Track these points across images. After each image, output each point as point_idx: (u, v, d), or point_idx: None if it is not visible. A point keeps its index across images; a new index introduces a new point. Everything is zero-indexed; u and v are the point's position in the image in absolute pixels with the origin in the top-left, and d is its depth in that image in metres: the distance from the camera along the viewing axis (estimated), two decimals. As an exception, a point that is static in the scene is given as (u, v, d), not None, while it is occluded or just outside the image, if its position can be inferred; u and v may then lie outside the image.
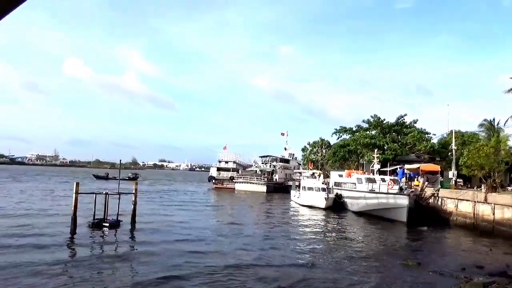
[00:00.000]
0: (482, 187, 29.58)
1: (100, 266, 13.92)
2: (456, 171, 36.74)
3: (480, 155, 29.77)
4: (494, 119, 47.29)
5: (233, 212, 34.21)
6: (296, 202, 45.58)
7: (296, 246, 19.44)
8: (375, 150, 42.19)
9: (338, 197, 41.35)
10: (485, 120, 48.37)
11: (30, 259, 14.31)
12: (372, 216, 32.97)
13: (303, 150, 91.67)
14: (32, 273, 12.67)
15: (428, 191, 33.12)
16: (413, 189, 33.71)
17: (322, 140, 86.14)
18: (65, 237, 18.78)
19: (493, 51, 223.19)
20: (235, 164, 75.19)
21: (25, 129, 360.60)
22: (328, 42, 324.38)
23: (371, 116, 59.89)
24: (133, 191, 23.68)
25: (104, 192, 22.79)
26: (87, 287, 11.65)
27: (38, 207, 30.53)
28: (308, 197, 41.78)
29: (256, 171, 71.88)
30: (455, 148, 39.06)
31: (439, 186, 34.55)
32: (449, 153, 44.53)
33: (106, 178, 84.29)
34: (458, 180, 36.54)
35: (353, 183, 39.30)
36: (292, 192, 50.04)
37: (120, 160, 28.98)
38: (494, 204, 25.62)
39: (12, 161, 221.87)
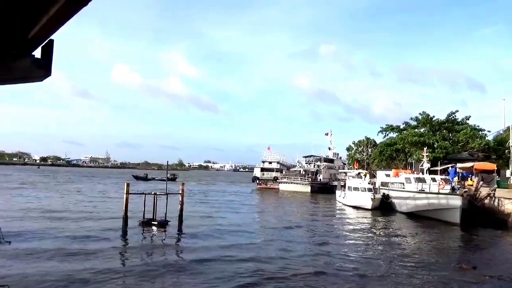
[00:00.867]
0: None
1: (149, 261, 14.42)
2: (514, 170, 34.54)
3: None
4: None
5: (277, 212, 34.10)
6: (341, 203, 44.80)
7: (344, 248, 19.02)
8: (424, 149, 40.57)
9: (385, 197, 40.17)
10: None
11: (86, 251, 15.15)
12: (422, 217, 31.70)
13: (348, 149, 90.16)
14: (87, 263, 13.36)
15: (484, 191, 31.32)
16: (466, 189, 32.03)
17: (368, 139, 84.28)
18: (118, 234, 19.67)
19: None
20: (278, 165, 75.05)
21: (79, 133, 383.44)
22: (371, 39, 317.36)
23: (420, 113, 57.82)
24: (180, 192, 24.27)
25: (152, 193, 23.59)
26: (138, 278, 12.09)
27: (93, 206, 32.15)
28: (354, 198, 40.91)
29: (300, 171, 71.23)
30: (513, 145, 36.73)
31: (496, 185, 32.59)
32: (506, 151, 41.93)
33: (145, 178, 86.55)
34: (516, 179, 34.34)
35: (401, 183, 38.03)
36: (337, 192, 49.21)
37: (167, 162, 29.85)
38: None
39: (69, 163, 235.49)
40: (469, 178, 36.24)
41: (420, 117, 57.76)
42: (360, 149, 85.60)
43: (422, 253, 18.43)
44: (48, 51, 14.54)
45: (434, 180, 34.04)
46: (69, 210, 28.55)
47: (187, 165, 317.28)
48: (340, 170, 76.63)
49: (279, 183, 69.59)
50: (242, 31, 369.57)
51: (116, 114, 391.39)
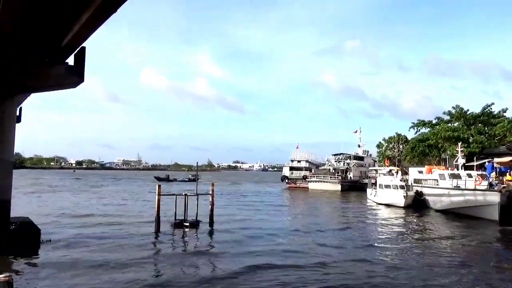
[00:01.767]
0: None
1: (182, 262, 14.63)
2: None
3: None
4: None
5: (308, 212, 33.84)
6: (372, 201, 44.19)
7: (377, 248, 18.62)
8: (459, 144, 39.35)
9: (419, 194, 39.20)
10: None
11: (120, 253, 15.51)
12: (458, 215, 30.74)
13: (378, 146, 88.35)
14: (121, 266, 13.71)
15: (524, 186, 29.99)
16: (505, 185, 30.73)
17: (399, 135, 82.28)
18: (151, 235, 20.06)
19: None
20: (307, 163, 74.56)
21: (111, 137, 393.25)
22: (397, 32, 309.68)
23: (453, 107, 56.18)
24: (210, 192, 24.47)
25: (183, 194, 23.91)
26: (171, 281, 12.26)
27: (126, 207, 32.99)
28: (386, 195, 40.24)
29: (329, 169, 70.60)
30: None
31: (537, 180, 31.13)
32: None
33: (167, 180, 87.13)
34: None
35: (435, 179, 37.03)
36: (368, 191, 48.52)
37: (197, 163, 30.08)
38: None
39: (102, 166, 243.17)
40: (507, 173, 34.86)
41: (453, 111, 56.13)
42: (391, 145, 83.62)
43: (459, 252, 17.82)
44: (80, 58, 15.02)
45: (470, 176, 33.07)
46: (101, 213, 29.25)
47: (216, 165, 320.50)
48: (370, 168, 75.37)
49: (309, 182, 69.23)
50: (266, 30, 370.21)
51: (146, 117, 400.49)
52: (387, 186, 40.57)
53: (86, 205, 34.09)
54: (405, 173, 51.58)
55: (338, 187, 65.03)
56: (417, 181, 42.11)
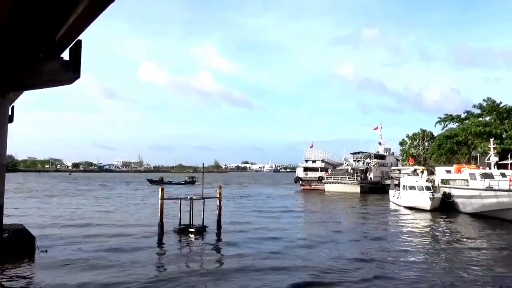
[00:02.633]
0: None
1: (188, 271, 14.73)
2: None
3: None
4: None
5: (323, 217, 33.66)
6: (395, 203, 44.05)
7: (401, 256, 18.25)
8: (491, 140, 38.93)
9: (447, 196, 38.88)
10: None
11: (120, 262, 15.67)
12: (490, 218, 30.46)
13: (401, 144, 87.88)
14: (123, 275, 13.84)
15: None
16: (543, 185, 30.35)
17: (424, 131, 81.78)
18: (153, 243, 20.23)
19: None
20: (323, 163, 74.44)
21: (110, 137, 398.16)
22: (420, 19, 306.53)
23: (484, 100, 55.63)
24: (218, 196, 24.59)
25: (188, 197, 24.08)
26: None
27: (126, 213, 33.30)
28: (410, 198, 40.00)
29: (347, 169, 70.39)
30: None
31: None
32: None
33: (160, 182, 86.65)
34: None
35: (464, 179, 36.73)
36: (391, 192, 48.35)
37: (203, 164, 30.14)
38: None
39: (101, 168, 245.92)
40: (546, 172, 34.30)
41: (484, 104, 55.54)
42: (415, 143, 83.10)
43: (492, 260, 17.58)
44: (76, 52, 15.16)
45: (503, 175, 32.84)
46: (98, 218, 29.57)
47: (223, 166, 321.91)
48: (393, 167, 74.85)
49: (325, 183, 69.23)
50: (278, 19, 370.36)
51: (146, 115, 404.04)
52: (412, 188, 40.32)
53: (82, 211, 34.38)
54: (431, 173, 51.29)
55: (357, 189, 64.91)
56: (444, 181, 41.80)
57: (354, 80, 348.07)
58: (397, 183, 48.71)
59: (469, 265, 16.61)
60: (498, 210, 30.39)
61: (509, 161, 39.09)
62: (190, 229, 22.69)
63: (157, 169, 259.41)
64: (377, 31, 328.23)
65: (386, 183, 64.67)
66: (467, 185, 35.74)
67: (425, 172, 46.91)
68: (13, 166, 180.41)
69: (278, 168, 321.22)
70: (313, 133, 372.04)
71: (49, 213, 32.47)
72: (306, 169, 75.23)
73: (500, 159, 38.44)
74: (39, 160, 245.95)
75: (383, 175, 71.71)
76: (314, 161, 75.10)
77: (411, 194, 40.07)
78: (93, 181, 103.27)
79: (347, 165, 73.15)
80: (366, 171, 70.07)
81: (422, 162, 68.08)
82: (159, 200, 22.08)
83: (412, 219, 32.40)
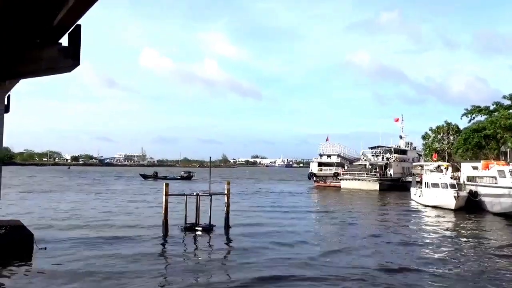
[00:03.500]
0: None
1: (195, 274, 14.82)
2: None
3: None
4: None
5: (339, 216, 33.36)
6: (417, 202, 43.96)
7: (426, 265, 17.43)
8: (523, 134, 38.47)
9: (473, 195, 38.70)
10: None
11: (122, 263, 15.83)
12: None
13: (423, 137, 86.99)
14: (127, 277, 13.96)
15: None
16: None
17: (449, 124, 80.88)
18: (158, 242, 20.38)
19: None
20: (339, 158, 74.32)
21: (111, 129, 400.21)
22: (443, 2, 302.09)
23: (515, 90, 54.60)
24: (225, 192, 24.64)
25: (195, 193, 24.16)
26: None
27: (128, 210, 33.59)
28: (433, 196, 39.82)
29: (365, 165, 70.37)
30: None
31: None
32: None
33: (155, 177, 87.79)
34: None
35: (493, 177, 36.45)
36: (412, 190, 48.10)
37: (210, 158, 30.13)
38: None
39: (101, 162, 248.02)
40: None
41: (515, 94, 54.82)
42: (439, 136, 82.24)
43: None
44: (75, 38, 15.20)
45: (536, 172, 32.35)
46: (96, 217, 29.73)
47: (232, 161, 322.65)
48: (414, 163, 74.53)
49: (341, 179, 69.21)
50: (289, 2, 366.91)
51: (149, 105, 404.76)
52: (435, 185, 40.13)
53: (80, 207, 34.78)
54: (456, 169, 50.98)
55: (375, 185, 64.81)
56: (471, 178, 41.49)
57: (371, 68, 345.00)
58: (419, 180, 48.73)
59: (494, 266, 16.47)
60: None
61: (542, 157, 38.59)
62: (196, 228, 22.81)
63: (161, 163, 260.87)
64: (396, 15, 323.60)
65: (407, 180, 64.41)
66: (495, 183, 35.45)
67: (450, 169, 46.51)
68: (9, 158, 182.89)
69: (290, 162, 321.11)
70: (327, 125, 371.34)
71: (46, 209, 32.91)
72: (320, 164, 75.06)
73: (532, 155, 38.00)
74: (36, 152, 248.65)
75: (404, 171, 71.36)
76: (329, 156, 74.99)
77: (434, 192, 39.86)
78: (89, 174, 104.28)
79: (365, 160, 72.99)
80: (385, 167, 69.85)
81: (446, 158, 67.54)
82: (163, 197, 22.18)
83: (435, 220, 32.16)
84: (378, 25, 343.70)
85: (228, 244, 21.00)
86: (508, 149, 49.21)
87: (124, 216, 30.37)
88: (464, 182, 42.10)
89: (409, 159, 77.54)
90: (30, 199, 40.71)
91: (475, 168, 42.30)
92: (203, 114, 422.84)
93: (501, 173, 35.02)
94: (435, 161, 59.26)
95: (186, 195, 24.26)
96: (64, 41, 14.56)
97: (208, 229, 22.94)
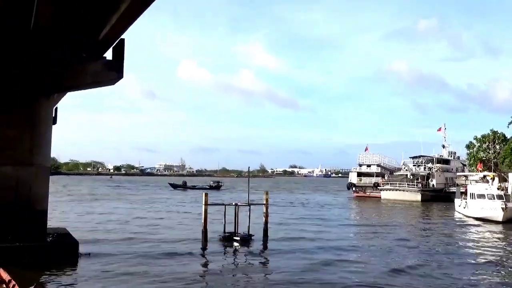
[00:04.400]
0: None
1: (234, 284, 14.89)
2: None
3: None
4: None
5: (381, 230, 32.01)
6: (462, 214, 42.64)
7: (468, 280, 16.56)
8: None
9: (522, 206, 37.17)
10: None
11: (161, 271, 16.08)
12: None
13: (468, 147, 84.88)
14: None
15: None
16: None
17: (494, 132, 78.60)
18: (197, 251, 20.61)
19: None
20: (379, 168, 73.38)
21: (151, 140, 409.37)
22: (485, 6, 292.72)
23: None
24: (264, 202, 24.67)
25: (234, 203, 24.33)
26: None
27: (167, 219, 34.19)
28: (479, 207, 38.50)
29: (406, 175, 69.00)
30: None
31: None
32: None
33: (183, 186, 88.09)
34: None
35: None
36: (456, 201, 46.75)
37: (249, 168, 30.36)
38: None
39: (142, 172, 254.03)
40: None
41: None
42: (484, 146, 79.93)
43: None
44: (119, 51, 15.80)
45: None
46: (137, 225, 30.38)
47: (270, 171, 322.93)
48: (458, 173, 72.41)
49: (381, 190, 68.25)
50: (329, 11, 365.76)
51: (187, 116, 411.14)
52: (481, 196, 38.88)
53: (122, 216, 35.65)
54: (503, 179, 49.30)
55: (417, 196, 63.49)
56: (519, 189, 40.05)
57: (411, 76, 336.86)
58: (463, 191, 47.54)
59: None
60: None
61: None
62: (235, 237, 22.90)
63: (200, 173, 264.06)
64: (436, 22, 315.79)
65: (450, 190, 63.00)
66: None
67: (496, 179, 45.14)
68: (56, 168, 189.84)
69: (329, 173, 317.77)
70: (366, 135, 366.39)
71: (90, 217, 33.97)
72: (360, 174, 74.35)
73: None
74: (81, 162, 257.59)
75: (447, 181, 69.73)
76: (369, 166, 74.13)
77: (480, 203, 38.60)
78: (132, 184, 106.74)
79: (406, 170, 71.58)
80: (427, 177, 68.32)
81: (492, 168, 65.46)
82: (203, 206, 22.43)
83: (481, 233, 30.88)
84: (417, 33, 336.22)
85: (265, 254, 20.94)
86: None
87: (165, 223, 31.01)
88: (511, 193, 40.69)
89: (452, 169, 75.62)
90: (75, 207, 42.14)
91: (523, 178, 40.87)
92: (242, 125, 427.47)
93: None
94: (480, 171, 57.50)
95: (226, 204, 24.44)
96: (108, 54, 15.18)
97: (247, 238, 22.95)
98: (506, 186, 44.03)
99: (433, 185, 67.55)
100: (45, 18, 11.83)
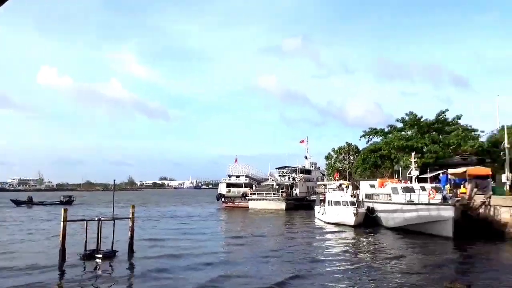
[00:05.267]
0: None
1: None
2: (511, 174, 36.25)
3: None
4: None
5: (247, 238, 33.54)
6: (321, 220, 45.52)
7: (324, 273, 19.34)
8: (412, 154, 41.99)
9: (370, 211, 41.21)
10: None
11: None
12: (411, 232, 32.80)
13: (327, 158, 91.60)
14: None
15: (478, 199, 32.81)
16: (459, 198, 33.40)
17: (349, 145, 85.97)
18: (53, 272, 19.12)
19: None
20: (247, 179, 75.50)
21: (5, 151, 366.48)
22: (345, 30, 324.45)
23: (406, 114, 59.70)
24: (130, 216, 24.00)
25: (96, 218, 23.23)
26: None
27: (18, 238, 31.14)
28: (335, 213, 41.67)
29: (272, 185, 72.07)
30: (508, 146, 38.51)
31: (491, 192, 34.16)
32: (501, 153, 43.94)
33: (29, 203, 79.97)
34: (513, 184, 36.04)
35: (387, 194, 39.19)
36: (316, 208, 49.93)
37: (114, 181, 29.38)
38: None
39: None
40: (461, 185, 37.67)
41: (406, 118, 59.53)
42: (340, 157, 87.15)
43: (411, 272, 19.11)
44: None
45: (423, 189, 35.27)
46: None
47: (138, 183, 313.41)
48: (318, 182, 77.78)
49: (249, 200, 70.10)
50: (204, 25, 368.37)
51: (48, 126, 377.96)
52: (337, 203, 41.92)
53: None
54: (356, 187, 53.37)
55: (282, 205, 66.44)
56: (368, 196, 44.16)
57: (279, 91, 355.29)
58: (322, 198, 50.47)
59: (385, 275, 17.93)
60: (418, 223, 32.73)
61: (428, 175, 42.31)
62: (97, 255, 21.84)
63: (60, 187, 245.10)
64: (300, 41, 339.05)
65: (311, 198, 67.10)
66: (389, 200, 38.04)
67: (350, 187, 48.95)
68: None
69: (200, 184, 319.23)
70: (237, 147, 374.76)
71: None
72: (229, 185, 75.68)
73: (420, 173, 41.32)
74: None
75: (309, 190, 74.29)
76: (238, 177, 75.87)
77: (336, 209, 41.61)
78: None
79: (272, 180, 74.74)
80: (291, 186, 72.02)
81: (347, 177, 71.42)
82: (61, 223, 21.06)
83: (336, 236, 33.60)
84: (284, 51, 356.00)
85: (130, 269, 20.32)
86: (400, 168, 52.91)
87: (27, 243, 28.15)
88: (362, 199, 44.55)
89: (313, 178, 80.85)
90: None
91: (372, 186, 45.22)
92: (110, 136, 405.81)
93: (395, 191, 37.65)
94: (337, 180, 62.47)
95: (87, 220, 23.20)
96: None
97: (109, 255, 22.06)
98: (358, 193, 47.79)
99: (296, 194, 71.35)
100: None
